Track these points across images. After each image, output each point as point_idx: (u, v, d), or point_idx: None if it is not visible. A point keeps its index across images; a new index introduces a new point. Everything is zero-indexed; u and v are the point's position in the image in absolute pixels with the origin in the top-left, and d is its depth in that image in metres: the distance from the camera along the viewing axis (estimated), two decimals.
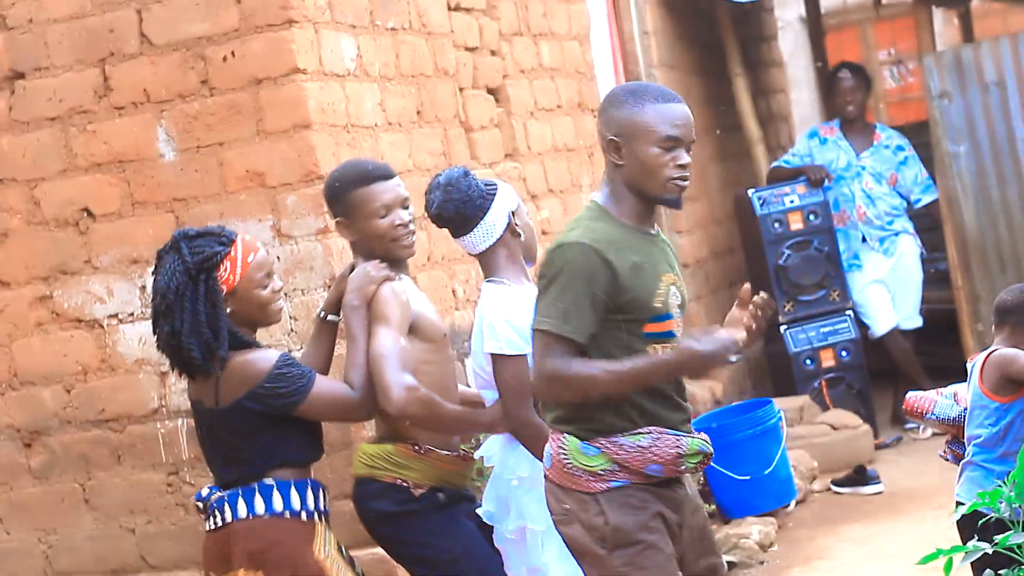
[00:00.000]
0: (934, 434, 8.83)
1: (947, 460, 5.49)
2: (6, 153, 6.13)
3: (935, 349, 9.87)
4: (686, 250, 9.45)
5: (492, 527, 4.96)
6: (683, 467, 4.22)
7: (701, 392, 8.69)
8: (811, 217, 9.40)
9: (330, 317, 5.02)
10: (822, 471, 8.36)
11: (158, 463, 6.06)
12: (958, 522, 4.72)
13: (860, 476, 8.16)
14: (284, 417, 4.69)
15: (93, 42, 5.97)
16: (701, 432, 4.35)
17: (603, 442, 4.17)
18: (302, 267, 5.81)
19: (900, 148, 9.71)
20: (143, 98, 5.93)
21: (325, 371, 4.98)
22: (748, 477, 7.36)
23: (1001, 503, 4.03)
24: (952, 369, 8.35)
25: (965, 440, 5.23)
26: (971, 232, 9.14)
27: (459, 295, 6.71)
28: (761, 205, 9.41)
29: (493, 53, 7.49)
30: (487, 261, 4.98)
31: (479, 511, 4.97)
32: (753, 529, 7.22)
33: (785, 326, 9.37)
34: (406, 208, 4.96)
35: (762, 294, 4.26)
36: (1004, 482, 4.09)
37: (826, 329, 9.36)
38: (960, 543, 4.42)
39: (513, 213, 4.99)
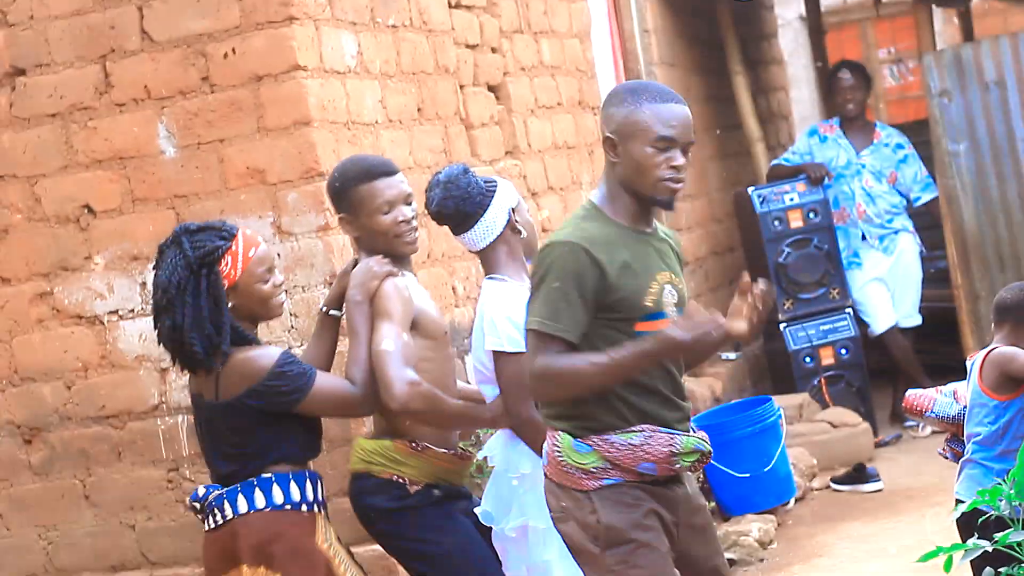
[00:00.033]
0: (933, 432, 8.83)
1: (946, 458, 5.49)
2: (7, 149, 6.13)
3: (934, 347, 9.88)
4: (686, 248, 9.45)
5: (490, 526, 4.97)
6: (678, 465, 4.20)
7: (701, 390, 8.69)
8: (811, 215, 9.40)
9: (332, 312, 5.03)
10: (822, 469, 8.36)
11: (158, 459, 6.07)
12: (958, 520, 4.72)
13: (860, 474, 8.16)
14: (284, 414, 4.70)
15: (94, 39, 5.97)
16: (701, 431, 4.33)
17: (595, 440, 4.16)
18: (303, 264, 5.81)
19: (900, 146, 9.71)
20: (144, 95, 5.93)
21: (328, 367, 4.98)
22: (748, 475, 7.36)
23: (1001, 501, 4.03)
24: (951, 367, 8.37)
25: (964, 438, 5.24)
26: (971, 231, 9.14)
27: (459, 292, 6.71)
28: (761, 203, 9.41)
29: (494, 50, 7.49)
30: (487, 258, 4.99)
31: (476, 510, 4.98)
32: (753, 527, 7.22)
33: (785, 324, 9.37)
34: (409, 204, 4.96)
35: (761, 283, 4.23)
36: (1004, 480, 4.10)
37: (826, 327, 9.37)
38: (960, 541, 4.43)
39: (513, 210, 5.00)
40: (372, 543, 5.11)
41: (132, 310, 6.02)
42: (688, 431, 4.25)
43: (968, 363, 5.29)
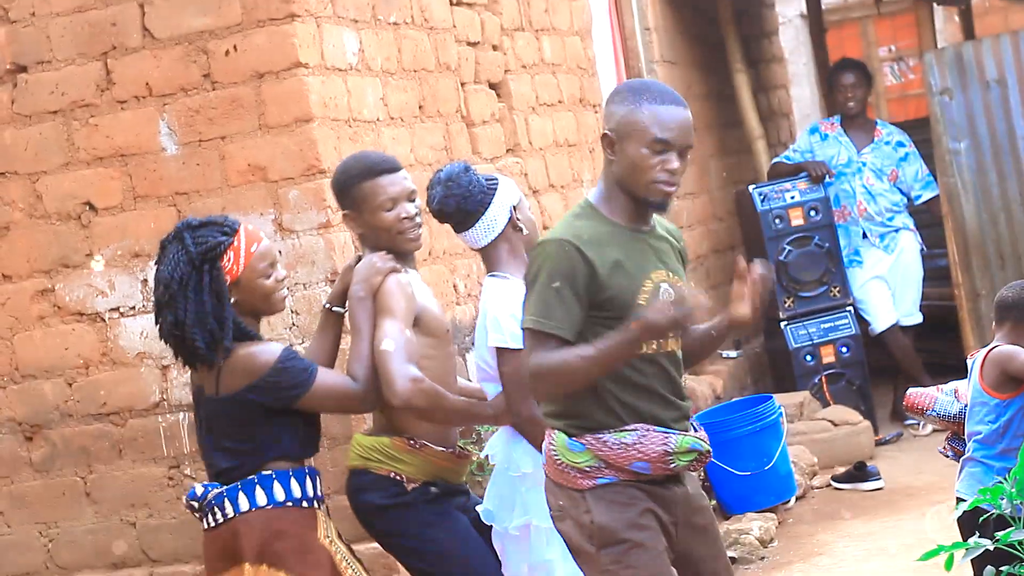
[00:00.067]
0: (934, 430, 8.84)
1: (947, 457, 5.49)
2: (8, 146, 6.13)
3: (935, 345, 9.88)
4: (687, 246, 9.44)
5: (485, 520, 4.97)
6: (673, 465, 4.17)
7: (701, 388, 8.69)
8: (812, 213, 9.40)
9: (335, 308, 5.03)
10: (822, 467, 8.36)
11: (159, 457, 6.07)
12: (959, 518, 4.73)
13: (860, 472, 8.16)
14: (285, 410, 4.70)
15: (95, 36, 5.97)
16: (702, 429, 4.31)
17: (589, 439, 4.15)
18: (304, 261, 5.81)
19: (901, 144, 9.71)
20: (145, 92, 5.93)
21: (331, 363, 4.98)
22: (748, 473, 7.37)
23: (1002, 500, 4.03)
24: (952, 366, 8.37)
25: (965, 436, 5.24)
26: (971, 229, 9.14)
27: (460, 290, 6.71)
28: (762, 201, 9.41)
29: (495, 48, 7.49)
30: (489, 256, 4.99)
31: (478, 508, 4.98)
32: (753, 525, 7.22)
33: (785, 322, 9.38)
34: (412, 201, 4.97)
35: (758, 264, 4.21)
36: (1005, 479, 4.10)
37: (826, 325, 9.37)
38: (961, 539, 4.43)
39: (515, 208, 5.00)
40: (373, 540, 5.11)
41: (133, 307, 6.03)
42: (686, 430, 4.22)
43: (969, 361, 5.29)
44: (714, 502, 7.27)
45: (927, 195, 9.60)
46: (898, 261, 9.62)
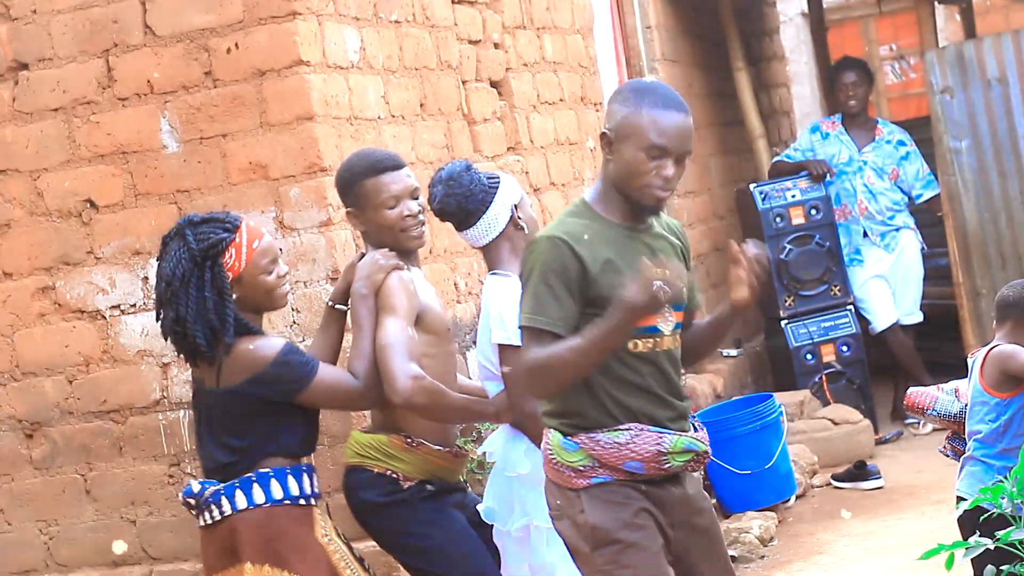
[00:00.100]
0: (934, 429, 8.85)
1: (948, 456, 5.49)
2: (9, 144, 6.13)
3: (935, 345, 9.88)
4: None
5: (486, 519, 4.97)
6: (668, 465, 4.15)
7: (702, 386, 8.69)
8: (812, 212, 9.40)
9: (338, 306, 5.03)
10: (822, 466, 8.36)
11: (159, 454, 6.07)
12: (959, 517, 4.73)
13: (860, 471, 8.16)
14: (285, 404, 4.70)
15: (97, 33, 5.97)
16: (701, 430, 4.28)
17: (583, 437, 4.13)
18: (305, 259, 5.80)
19: (902, 143, 9.71)
20: (146, 89, 5.93)
21: (333, 360, 4.99)
22: (748, 472, 7.38)
23: (1003, 499, 4.03)
24: (952, 365, 8.37)
25: (966, 435, 5.24)
26: (972, 228, 9.14)
27: (461, 288, 6.71)
28: (763, 200, 9.41)
29: (496, 46, 7.49)
30: (490, 254, 5.00)
31: (479, 507, 4.97)
32: (753, 523, 7.23)
33: (786, 321, 9.38)
34: (415, 199, 4.97)
35: (751, 244, 4.19)
36: (1005, 478, 4.10)
37: (827, 324, 9.37)
38: (961, 538, 4.43)
39: (516, 206, 5.00)
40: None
41: (134, 305, 6.02)
42: (684, 430, 4.19)
43: (969, 360, 5.29)
44: (714, 501, 7.27)
45: (928, 194, 9.60)
46: (899, 260, 9.62)
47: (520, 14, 7.77)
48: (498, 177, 5.05)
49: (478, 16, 7.31)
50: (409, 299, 4.80)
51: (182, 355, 4.79)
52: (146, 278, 5.95)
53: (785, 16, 13.83)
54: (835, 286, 9.43)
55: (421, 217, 4.97)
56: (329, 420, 5.67)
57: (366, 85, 6.17)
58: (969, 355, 5.37)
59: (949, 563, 3.93)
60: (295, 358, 4.69)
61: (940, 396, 5.47)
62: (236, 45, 5.80)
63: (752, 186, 9.55)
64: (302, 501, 4.73)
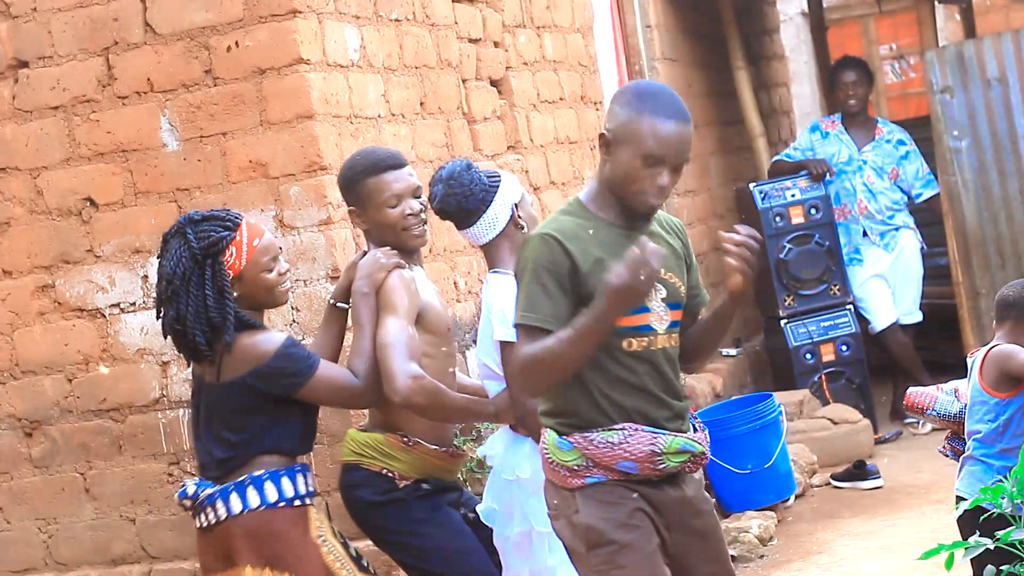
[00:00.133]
0: (933, 429, 8.85)
1: (947, 456, 5.49)
2: (9, 142, 6.13)
3: (935, 344, 9.88)
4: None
5: (485, 521, 4.96)
6: (663, 466, 4.12)
7: (701, 386, 8.69)
8: (812, 211, 9.40)
9: (339, 304, 5.03)
10: (822, 465, 8.36)
11: (159, 453, 6.07)
12: (959, 517, 4.73)
13: (859, 471, 8.16)
14: (284, 399, 4.69)
15: (97, 31, 5.97)
16: (702, 430, 4.26)
17: (577, 437, 4.12)
18: (304, 258, 5.80)
19: (901, 142, 9.71)
20: (146, 87, 5.93)
21: (334, 358, 4.99)
22: (748, 471, 7.37)
23: (1002, 498, 4.03)
24: (952, 364, 8.37)
25: (965, 435, 5.24)
26: (972, 227, 9.14)
27: (460, 287, 6.71)
28: (762, 199, 9.41)
29: (496, 45, 7.49)
30: (491, 252, 5.00)
31: (478, 508, 4.97)
32: (753, 523, 7.22)
33: (785, 320, 9.37)
34: (417, 197, 4.96)
35: (737, 228, 4.15)
36: (1005, 477, 4.10)
37: (826, 323, 9.37)
38: (961, 538, 4.43)
39: (516, 205, 5.00)
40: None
41: (133, 303, 6.02)
42: (681, 430, 4.17)
43: (969, 360, 5.29)
44: (713, 500, 7.26)
45: (928, 193, 9.60)
46: (898, 259, 9.62)
47: (520, 13, 7.77)
48: (499, 176, 5.04)
49: (478, 15, 7.31)
50: (410, 298, 4.80)
51: (182, 353, 4.78)
52: (146, 277, 5.95)
53: (785, 15, 13.84)
54: (834, 285, 9.42)
55: (423, 216, 4.97)
56: (328, 419, 5.67)
57: (366, 84, 6.17)
58: (968, 355, 5.37)
59: (949, 563, 3.93)
60: (297, 352, 4.70)
61: (940, 396, 5.47)
62: (236, 43, 5.80)
63: (752, 185, 9.55)
64: (297, 502, 4.73)
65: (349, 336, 5.01)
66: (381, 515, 4.87)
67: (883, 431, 9.25)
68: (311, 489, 4.79)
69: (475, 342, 5.24)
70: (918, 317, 9.70)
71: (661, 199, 4.13)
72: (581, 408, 4.13)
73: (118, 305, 6.05)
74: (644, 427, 4.11)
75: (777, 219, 9.38)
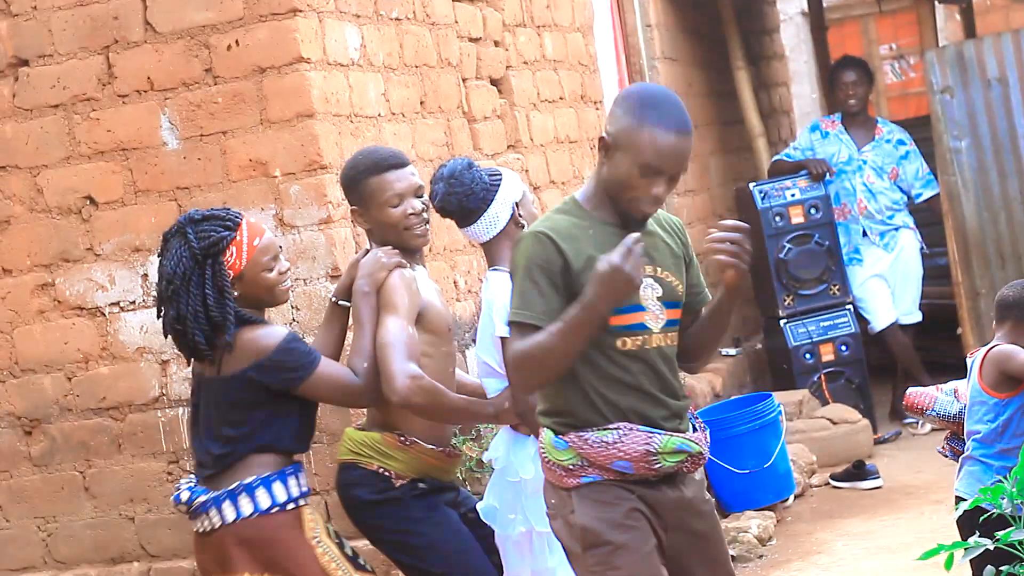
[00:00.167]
0: (932, 429, 8.84)
1: (946, 456, 5.49)
2: (9, 140, 6.13)
3: (934, 344, 9.88)
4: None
5: (483, 519, 4.96)
6: (658, 466, 4.09)
7: (700, 385, 8.69)
8: (812, 211, 9.40)
9: (341, 302, 5.02)
10: (821, 465, 8.36)
11: (158, 451, 6.07)
12: (958, 518, 4.73)
13: (859, 471, 8.16)
14: (284, 395, 4.69)
15: (97, 29, 5.97)
16: (702, 430, 4.23)
17: (572, 436, 4.10)
18: (304, 257, 5.80)
19: (901, 142, 9.71)
20: (147, 86, 5.93)
21: (336, 356, 4.98)
22: (747, 471, 7.37)
23: (1002, 499, 4.03)
24: (951, 364, 8.37)
25: (964, 435, 5.24)
26: (971, 227, 9.14)
27: (460, 286, 6.71)
28: (762, 199, 9.41)
29: (496, 44, 7.49)
30: (491, 251, 5.00)
31: (478, 506, 4.97)
32: (752, 523, 7.22)
33: (785, 320, 9.37)
34: (419, 197, 4.96)
35: (725, 223, 4.10)
36: (1004, 478, 4.10)
37: (826, 323, 9.36)
38: (960, 539, 4.43)
39: (517, 204, 5.00)
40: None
41: (133, 302, 6.02)
42: (679, 430, 4.14)
43: (968, 360, 5.29)
44: (713, 500, 7.26)
45: (927, 193, 9.60)
46: (898, 259, 9.62)
47: (520, 12, 7.77)
48: (500, 174, 5.04)
49: (478, 14, 7.31)
50: (410, 298, 4.80)
51: (182, 352, 4.78)
52: (146, 275, 5.95)
53: (785, 15, 13.84)
54: (834, 285, 9.42)
55: (425, 215, 4.97)
56: (328, 418, 5.67)
57: (366, 82, 6.17)
58: (968, 355, 5.37)
59: (948, 563, 3.92)
60: (299, 347, 4.70)
61: (939, 396, 5.46)
62: (236, 42, 5.80)
63: (751, 185, 9.55)
64: (290, 505, 4.72)
65: (350, 335, 5.01)
66: (377, 514, 4.87)
67: (882, 431, 9.25)
68: (304, 490, 4.78)
69: (475, 341, 5.24)
70: (918, 317, 9.70)
71: (655, 207, 4.12)
72: (576, 407, 4.11)
73: (118, 304, 6.05)
74: (640, 426, 4.08)
75: (777, 219, 9.38)
